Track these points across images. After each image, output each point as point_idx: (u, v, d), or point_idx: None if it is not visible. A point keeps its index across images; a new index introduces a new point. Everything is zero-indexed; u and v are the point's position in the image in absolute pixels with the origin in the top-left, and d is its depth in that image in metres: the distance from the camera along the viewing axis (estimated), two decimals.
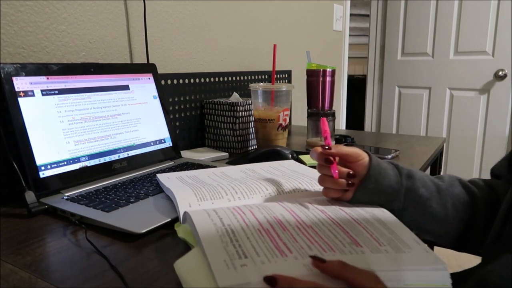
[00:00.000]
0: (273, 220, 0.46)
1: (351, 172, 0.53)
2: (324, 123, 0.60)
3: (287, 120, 1.01)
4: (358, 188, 0.53)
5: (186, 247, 0.47)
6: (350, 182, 0.53)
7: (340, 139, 1.12)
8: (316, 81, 1.21)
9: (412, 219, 0.54)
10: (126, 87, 0.81)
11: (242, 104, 1.00)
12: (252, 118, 1.04)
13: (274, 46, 1.04)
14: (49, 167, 0.65)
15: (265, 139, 1.00)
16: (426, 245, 0.42)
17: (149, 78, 0.87)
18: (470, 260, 0.91)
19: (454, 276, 0.51)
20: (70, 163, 0.68)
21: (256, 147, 1.07)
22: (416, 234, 0.45)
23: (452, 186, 0.56)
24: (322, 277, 0.36)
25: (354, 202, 0.54)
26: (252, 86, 0.99)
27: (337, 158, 0.54)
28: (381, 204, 0.54)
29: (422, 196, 0.54)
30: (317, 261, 0.36)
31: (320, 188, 0.62)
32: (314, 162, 0.87)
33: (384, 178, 0.53)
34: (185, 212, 0.49)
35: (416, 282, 0.37)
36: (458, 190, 0.56)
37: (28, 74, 0.65)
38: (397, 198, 0.53)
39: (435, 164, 1.20)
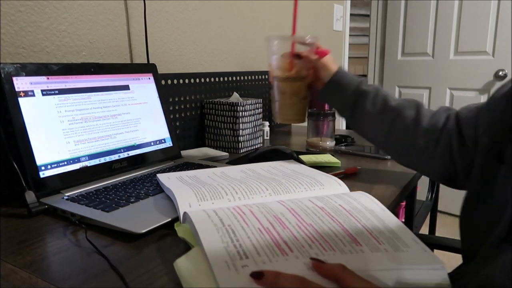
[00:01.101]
0: (273, 219, 0.46)
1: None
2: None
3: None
4: (325, 84, 0.72)
5: (186, 247, 0.47)
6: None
7: (340, 139, 1.12)
8: None
9: (357, 127, 0.73)
10: (126, 87, 0.81)
11: (242, 104, 1.00)
12: (257, 117, 1.04)
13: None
14: (49, 167, 0.65)
15: (298, 101, 0.78)
16: (424, 244, 0.42)
17: (149, 78, 0.87)
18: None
19: (448, 275, 0.51)
20: (70, 163, 0.68)
21: (256, 147, 1.07)
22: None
23: (403, 108, 0.67)
24: (321, 278, 0.36)
25: (320, 96, 0.74)
26: (269, 37, 0.77)
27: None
28: (337, 107, 0.73)
29: (364, 110, 0.69)
30: (317, 262, 0.37)
31: (320, 189, 0.62)
32: (314, 162, 0.87)
33: (348, 79, 0.71)
34: (185, 213, 0.49)
35: (414, 281, 0.37)
36: (407, 112, 0.66)
37: (28, 74, 0.65)
38: (359, 98, 0.69)
39: None
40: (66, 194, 0.64)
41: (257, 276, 0.35)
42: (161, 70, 1.01)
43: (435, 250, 0.97)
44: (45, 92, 0.67)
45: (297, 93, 0.77)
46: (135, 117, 0.81)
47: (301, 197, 0.57)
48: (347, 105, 0.71)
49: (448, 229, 2.36)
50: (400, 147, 0.68)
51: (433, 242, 0.91)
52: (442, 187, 1.88)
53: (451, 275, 0.56)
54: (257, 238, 0.41)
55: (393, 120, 0.67)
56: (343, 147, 1.03)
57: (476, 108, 0.61)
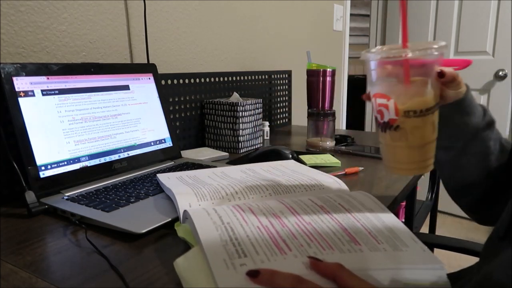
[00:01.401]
0: (272, 217, 0.46)
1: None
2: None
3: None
4: (450, 104, 0.53)
5: (186, 247, 0.47)
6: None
7: (340, 139, 1.12)
8: (316, 81, 1.21)
9: (461, 166, 0.56)
10: (126, 87, 0.81)
11: (242, 104, 1.00)
12: (257, 117, 1.04)
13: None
14: (49, 167, 0.65)
15: (429, 141, 0.50)
16: (423, 243, 0.42)
17: (149, 78, 0.87)
18: (470, 260, 0.91)
19: (452, 276, 0.51)
20: (70, 163, 0.68)
21: (256, 147, 1.06)
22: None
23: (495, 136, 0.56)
24: (319, 277, 0.36)
25: (446, 110, 0.52)
26: (367, 55, 0.49)
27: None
28: (449, 134, 0.55)
29: (490, 147, 0.55)
30: (314, 260, 0.37)
31: (320, 189, 0.62)
32: (314, 162, 0.87)
33: (474, 107, 0.54)
34: (185, 211, 0.49)
35: (413, 281, 0.37)
36: (492, 144, 0.56)
37: (28, 74, 0.65)
38: (481, 124, 0.54)
39: None
40: (66, 194, 0.64)
41: (253, 274, 0.35)
42: (161, 70, 1.01)
43: (435, 250, 0.97)
44: (45, 92, 0.67)
45: (434, 127, 0.49)
46: (135, 117, 0.81)
47: (301, 197, 0.57)
48: (468, 133, 0.55)
49: (448, 229, 2.36)
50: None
51: (432, 242, 0.91)
52: (442, 187, 1.89)
53: (455, 275, 0.56)
54: (256, 236, 0.41)
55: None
56: (343, 147, 1.03)
57: None
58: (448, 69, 0.50)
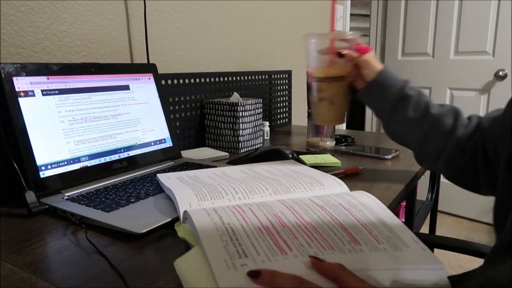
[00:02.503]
0: (273, 217, 0.46)
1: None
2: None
3: None
4: (368, 82, 0.69)
5: (186, 247, 0.47)
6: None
7: (340, 139, 1.12)
8: None
9: (396, 132, 0.71)
10: (126, 87, 0.81)
11: (242, 104, 1.00)
12: (257, 117, 1.04)
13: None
14: (49, 167, 0.65)
15: (339, 102, 0.75)
16: (423, 244, 0.42)
17: (149, 78, 0.87)
18: (470, 260, 0.91)
19: (454, 277, 0.51)
20: (71, 163, 0.68)
21: (256, 147, 1.07)
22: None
23: (443, 116, 0.66)
24: (320, 277, 0.36)
25: (360, 95, 0.72)
26: (306, 36, 0.74)
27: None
28: (376, 108, 0.72)
29: (406, 116, 0.67)
30: (316, 260, 0.37)
31: (320, 189, 0.62)
32: (314, 162, 0.87)
33: (392, 80, 0.68)
34: (185, 211, 0.49)
35: (413, 281, 0.37)
36: (446, 120, 0.65)
37: (29, 74, 0.65)
38: (401, 100, 0.67)
39: None
40: (66, 194, 0.64)
41: (254, 275, 0.35)
42: (161, 70, 1.01)
43: (435, 250, 0.97)
44: (45, 92, 0.67)
45: (338, 93, 0.73)
46: (135, 117, 0.81)
47: (301, 197, 0.57)
48: (387, 107, 0.69)
49: (448, 229, 2.36)
50: (431, 153, 0.68)
51: (433, 242, 0.91)
52: (442, 187, 1.88)
53: (458, 277, 0.56)
54: (256, 237, 0.41)
55: (431, 127, 0.66)
56: (343, 147, 1.03)
57: (494, 119, 0.61)
58: (347, 51, 0.69)
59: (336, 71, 0.71)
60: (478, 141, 0.62)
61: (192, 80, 1.07)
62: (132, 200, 0.61)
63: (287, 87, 1.53)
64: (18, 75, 0.64)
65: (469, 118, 0.67)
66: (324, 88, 0.72)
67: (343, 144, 1.07)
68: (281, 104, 1.50)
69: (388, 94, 0.68)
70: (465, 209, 2.44)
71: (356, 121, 2.88)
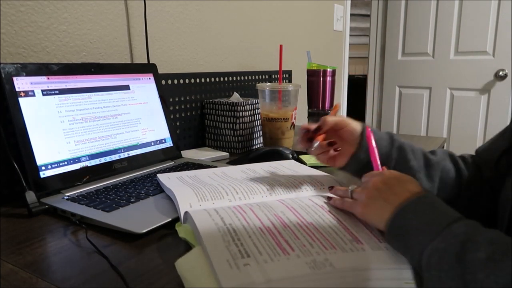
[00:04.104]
0: (274, 218, 0.46)
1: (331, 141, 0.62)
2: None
3: (295, 119, 1.04)
4: (351, 157, 0.59)
5: (187, 247, 0.47)
6: (336, 149, 0.62)
7: None
8: (316, 81, 1.21)
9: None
10: (126, 87, 0.81)
11: (242, 104, 1.00)
12: (257, 117, 1.05)
13: (280, 46, 1.05)
14: (49, 167, 0.65)
15: (276, 138, 1.00)
16: None
17: (149, 78, 0.87)
18: None
19: None
20: (71, 163, 0.68)
21: (256, 147, 1.07)
22: None
23: (443, 160, 0.60)
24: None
25: (347, 170, 0.61)
26: (259, 85, 1.01)
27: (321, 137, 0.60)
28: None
29: (412, 168, 0.58)
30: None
31: (320, 189, 0.62)
32: (314, 162, 0.87)
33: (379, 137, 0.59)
34: (186, 212, 0.49)
35: (414, 280, 0.38)
36: (448, 165, 0.60)
37: (29, 74, 0.65)
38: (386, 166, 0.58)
39: None
40: (67, 194, 0.64)
41: None
42: (161, 70, 1.01)
43: None
44: (45, 92, 0.67)
45: (277, 131, 1.00)
46: (135, 117, 0.81)
47: (301, 197, 0.57)
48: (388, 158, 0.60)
49: None
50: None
51: None
52: None
53: None
54: (258, 237, 0.41)
55: (441, 175, 0.59)
56: None
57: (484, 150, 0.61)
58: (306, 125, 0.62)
59: (278, 115, 0.99)
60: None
61: (192, 80, 1.07)
62: (132, 200, 0.61)
63: None
64: (18, 75, 0.64)
65: (465, 157, 0.63)
66: (267, 124, 1.00)
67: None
68: None
69: (381, 148, 0.59)
70: None
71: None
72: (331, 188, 0.55)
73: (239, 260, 0.37)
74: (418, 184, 0.44)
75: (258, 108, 1.05)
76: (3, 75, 0.62)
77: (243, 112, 1.01)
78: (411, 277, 0.38)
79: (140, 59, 0.98)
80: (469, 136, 2.38)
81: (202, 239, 0.41)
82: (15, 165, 0.61)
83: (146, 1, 0.95)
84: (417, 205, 0.40)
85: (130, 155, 0.78)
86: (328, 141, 0.61)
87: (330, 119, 0.60)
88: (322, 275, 0.36)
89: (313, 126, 0.61)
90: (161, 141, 0.86)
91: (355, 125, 0.60)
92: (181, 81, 1.04)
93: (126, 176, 0.75)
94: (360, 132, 0.59)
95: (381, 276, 0.37)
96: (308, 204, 0.51)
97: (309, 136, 0.61)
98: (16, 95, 0.63)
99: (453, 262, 0.33)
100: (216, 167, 0.77)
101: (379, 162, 0.54)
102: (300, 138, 0.63)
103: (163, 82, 0.98)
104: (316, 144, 0.58)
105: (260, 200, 0.57)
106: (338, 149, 0.63)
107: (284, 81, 1.53)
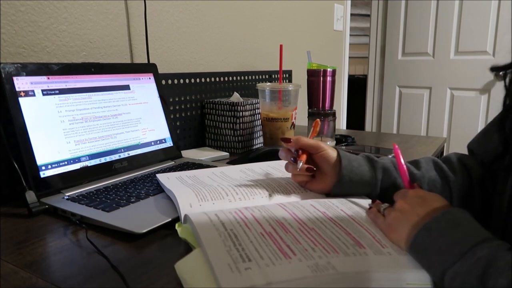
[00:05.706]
0: (275, 223, 0.47)
1: (310, 167, 0.59)
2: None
3: (295, 119, 1.04)
4: (334, 185, 0.58)
5: (187, 247, 0.47)
6: (311, 174, 0.59)
7: (341, 139, 1.12)
8: (316, 81, 1.21)
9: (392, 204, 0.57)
10: (126, 87, 0.81)
11: (242, 104, 1.00)
12: (257, 117, 1.05)
13: (280, 46, 1.04)
14: (49, 167, 0.65)
15: (276, 138, 1.00)
16: None
17: (149, 78, 0.87)
18: None
19: None
20: (71, 163, 0.68)
21: (257, 147, 1.07)
22: None
23: (427, 172, 0.59)
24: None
25: (334, 196, 0.59)
26: (260, 85, 1.00)
27: (304, 157, 0.59)
28: (360, 194, 0.58)
29: (400, 186, 0.57)
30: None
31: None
32: None
33: (357, 175, 0.57)
34: (186, 215, 0.49)
35: (417, 283, 0.38)
36: (433, 175, 0.59)
37: (29, 74, 0.65)
38: (374, 190, 0.58)
39: None
40: (67, 194, 0.64)
41: None
42: (161, 70, 1.01)
43: None
44: (45, 92, 0.67)
45: (277, 131, 1.02)
46: (135, 117, 0.81)
47: (301, 200, 0.57)
48: (372, 181, 0.58)
49: None
50: None
51: None
52: None
53: None
54: (259, 242, 0.41)
55: (428, 189, 0.58)
56: (344, 147, 1.03)
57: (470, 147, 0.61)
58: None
59: (278, 115, 1.00)
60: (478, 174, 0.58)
61: (192, 80, 1.07)
62: (133, 200, 0.61)
63: None
64: (18, 75, 0.64)
65: (449, 159, 0.62)
66: (267, 124, 1.01)
67: (343, 144, 1.07)
68: None
69: (365, 172, 0.58)
70: None
71: (356, 121, 2.88)
72: (373, 202, 0.53)
73: (240, 264, 0.37)
74: (443, 199, 0.44)
75: (258, 108, 1.06)
76: (3, 75, 0.62)
77: (243, 112, 1.01)
78: (413, 280, 0.38)
79: (140, 59, 0.98)
80: (469, 136, 2.36)
81: (203, 244, 0.41)
82: (15, 165, 0.61)
83: (146, 1, 0.95)
84: (441, 223, 0.40)
85: (130, 155, 0.78)
86: (307, 166, 0.59)
87: (303, 141, 0.59)
88: (325, 277, 0.36)
89: (291, 148, 0.61)
90: (161, 141, 0.86)
91: (331, 152, 0.58)
92: (181, 81, 1.04)
93: (126, 176, 0.75)
94: (335, 160, 0.58)
95: (384, 280, 0.37)
96: (310, 210, 0.51)
97: (292, 157, 0.60)
98: (16, 95, 0.63)
99: (476, 286, 0.34)
100: (215, 167, 0.77)
101: (408, 179, 0.53)
102: (287, 163, 0.61)
103: (163, 82, 0.98)
104: (300, 164, 0.57)
105: (260, 201, 0.57)
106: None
107: (284, 81, 1.53)
